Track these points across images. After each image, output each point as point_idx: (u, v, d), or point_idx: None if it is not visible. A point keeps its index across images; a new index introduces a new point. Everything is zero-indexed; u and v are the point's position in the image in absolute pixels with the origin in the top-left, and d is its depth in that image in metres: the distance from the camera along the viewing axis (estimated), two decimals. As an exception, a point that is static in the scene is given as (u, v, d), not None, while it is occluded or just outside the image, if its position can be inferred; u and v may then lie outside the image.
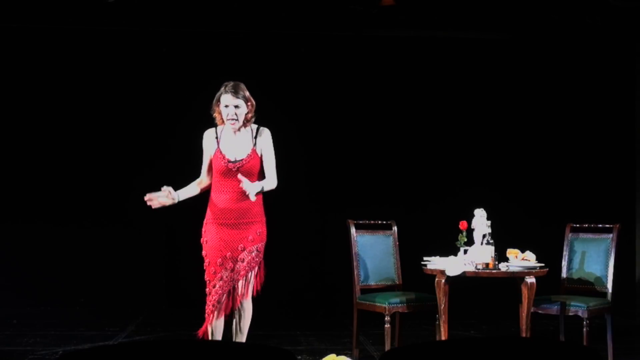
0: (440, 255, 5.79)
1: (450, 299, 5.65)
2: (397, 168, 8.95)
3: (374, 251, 6.20)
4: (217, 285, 5.24)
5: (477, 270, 5.56)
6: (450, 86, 9.03)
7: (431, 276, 5.73)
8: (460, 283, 5.71)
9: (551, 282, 6.05)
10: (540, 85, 9.05)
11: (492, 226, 5.65)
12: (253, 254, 5.33)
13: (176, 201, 5.34)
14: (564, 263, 6.16)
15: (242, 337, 5.41)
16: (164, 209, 8.81)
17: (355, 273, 6.08)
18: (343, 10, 8.02)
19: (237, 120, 5.33)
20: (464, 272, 5.55)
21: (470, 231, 5.69)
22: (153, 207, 5.37)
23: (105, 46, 8.67)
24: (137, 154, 8.85)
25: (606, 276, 5.96)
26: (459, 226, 5.71)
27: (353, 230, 6.16)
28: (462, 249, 5.69)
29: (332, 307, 8.31)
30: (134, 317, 8.12)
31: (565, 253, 6.17)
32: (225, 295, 5.26)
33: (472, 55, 8.96)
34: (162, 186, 5.33)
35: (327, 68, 8.93)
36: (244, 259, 5.29)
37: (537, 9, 8.08)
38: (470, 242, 5.68)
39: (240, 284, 5.28)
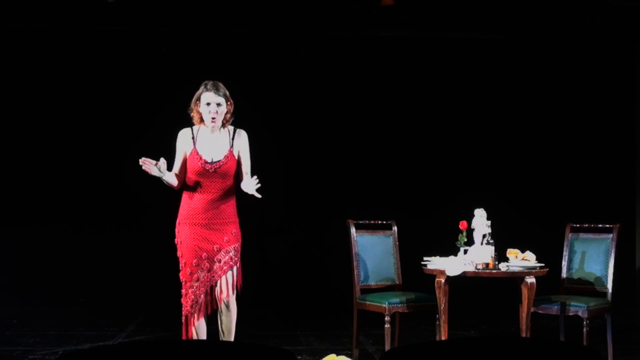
0: (440, 255, 5.78)
1: (450, 299, 5.65)
2: (397, 168, 8.95)
3: (374, 251, 6.20)
4: (194, 287, 5.27)
5: (477, 270, 5.56)
6: (450, 86, 9.03)
7: (431, 276, 5.72)
8: (460, 283, 5.71)
9: (551, 282, 6.05)
10: (541, 86, 9.05)
11: (492, 226, 5.65)
12: (231, 253, 5.29)
13: (162, 176, 5.24)
14: (564, 263, 6.16)
15: (229, 337, 5.37)
16: (164, 210, 8.85)
17: (355, 273, 6.08)
18: (343, 10, 8.02)
19: (217, 118, 5.27)
20: (464, 272, 5.55)
21: (470, 231, 5.68)
22: (142, 169, 5.23)
23: (105, 46, 8.68)
24: (137, 154, 8.84)
25: (606, 276, 5.96)
26: (459, 226, 5.71)
27: (353, 230, 6.16)
28: (462, 249, 5.69)
29: (332, 307, 8.31)
30: (134, 317, 8.12)
31: (565, 253, 6.17)
32: (202, 296, 5.26)
33: (472, 55, 8.96)
34: (161, 158, 5.22)
35: (327, 68, 8.93)
36: (220, 259, 5.27)
37: (537, 9, 8.08)
38: (470, 242, 5.68)
39: (219, 283, 5.26)
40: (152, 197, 8.87)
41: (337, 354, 5.73)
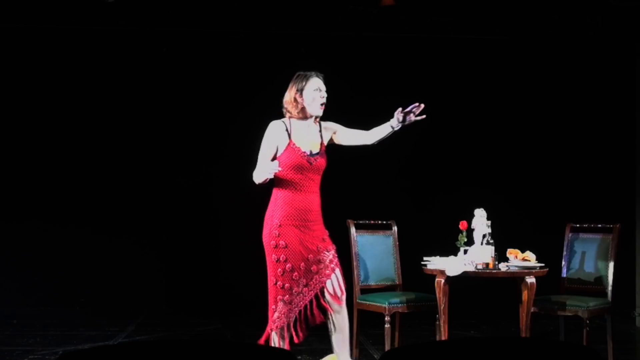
0: (440, 255, 5.78)
1: (450, 299, 5.65)
2: (397, 168, 8.94)
3: (374, 251, 6.20)
4: (303, 292, 4.99)
5: (477, 270, 5.56)
6: (450, 86, 9.02)
7: (431, 276, 5.72)
8: (460, 283, 5.71)
9: (551, 282, 6.05)
10: (541, 86, 9.05)
11: (492, 226, 5.65)
12: (333, 252, 5.10)
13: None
14: (564, 263, 6.16)
15: (346, 340, 5.13)
16: (162, 209, 8.86)
17: (355, 273, 6.07)
18: (343, 10, 8.02)
19: (324, 104, 5.17)
20: (464, 272, 5.55)
21: (470, 231, 5.68)
22: (271, 176, 4.90)
23: (105, 46, 8.68)
24: (136, 154, 8.85)
25: (606, 276, 5.96)
26: (459, 226, 5.71)
27: (353, 230, 6.16)
28: (462, 249, 5.68)
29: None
30: (134, 317, 8.12)
31: (565, 253, 6.17)
32: (298, 312, 5.00)
33: (472, 55, 8.96)
34: (274, 162, 4.96)
35: (327, 68, 8.90)
36: (324, 260, 5.04)
37: (538, 9, 8.07)
38: (470, 242, 5.68)
39: (330, 284, 5.02)
40: (152, 197, 8.88)
41: (337, 354, 5.72)
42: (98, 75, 8.78)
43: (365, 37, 8.64)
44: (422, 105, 5.15)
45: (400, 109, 5.17)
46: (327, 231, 5.19)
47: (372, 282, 6.15)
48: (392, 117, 5.30)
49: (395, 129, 5.25)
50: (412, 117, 5.21)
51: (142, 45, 8.66)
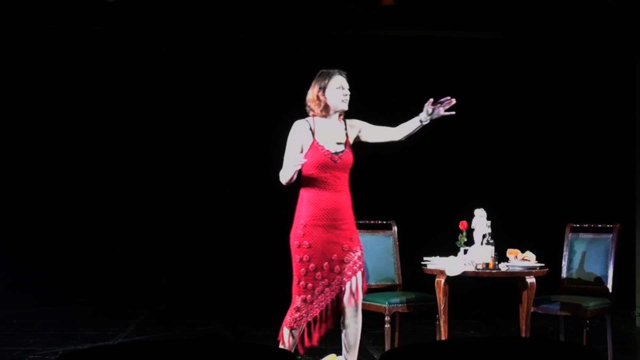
0: (440, 255, 5.78)
1: (450, 299, 5.65)
2: (397, 168, 8.94)
3: (374, 251, 6.19)
4: (325, 292, 4.97)
5: (477, 270, 5.56)
6: (450, 86, 8.96)
7: (431, 276, 5.72)
8: (460, 283, 5.71)
9: (551, 282, 6.05)
10: (541, 85, 9.05)
11: (492, 226, 5.65)
12: (358, 253, 5.06)
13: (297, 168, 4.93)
14: (564, 263, 6.16)
15: (354, 350, 5.13)
16: (162, 209, 8.86)
17: (355, 273, 6.06)
18: (343, 10, 8.02)
19: (347, 101, 5.10)
20: (464, 272, 5.55)
21: (470, 231, 5.68)
22: (297, 168, 4.91)
23: (105, 46, 8.68)
24: (134, 154, 8.86)
25: (606, 276, 5.96)
26: (459, 226, 5.71)
27: (353, 230, 6.15)
28: (462, 249, 5.68)
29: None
30: (134, 317, 8.12)
31: (565, 253, 6.17)
32: (322, 312, 4.98)
33: (472, 55, 8.96)
34: (300, 155, 4.95)
35: (327, 68, 8.90)
36: (349, 260, 5.01)
37: (538, 9, 8.07)
38: (470, 242, 5.67)
39: (349, 286, 5.01)
40: (152, 197, 8.88)
41: (337, 354, 5.73)
42: (98, 76, 8.78)
43: (365, 37, 8.64)
44: (454, 101, 5.08)
45: (430, 100, 5.09)
46: (357, 230, 5.17)
47: (372, 282, 6.14)
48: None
49: (424, 122, 5.18)
50: (441, 110, 5.13)
51: (142, 45, 8.67)
